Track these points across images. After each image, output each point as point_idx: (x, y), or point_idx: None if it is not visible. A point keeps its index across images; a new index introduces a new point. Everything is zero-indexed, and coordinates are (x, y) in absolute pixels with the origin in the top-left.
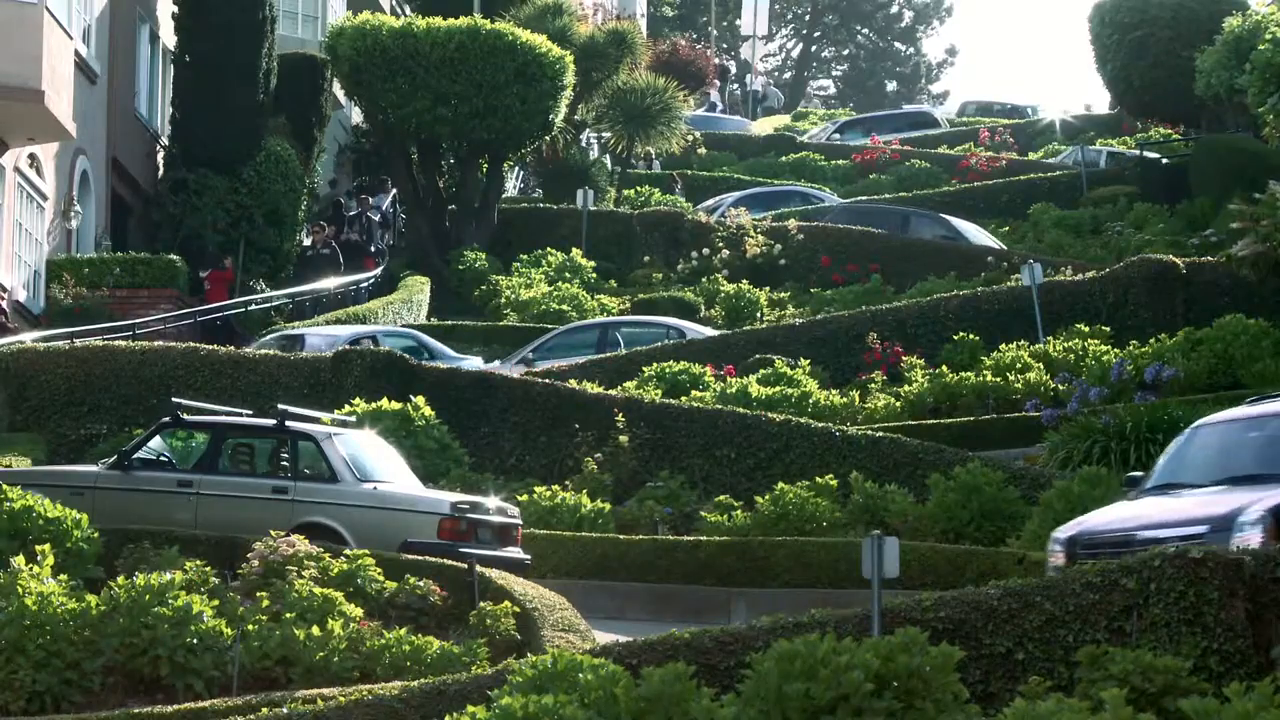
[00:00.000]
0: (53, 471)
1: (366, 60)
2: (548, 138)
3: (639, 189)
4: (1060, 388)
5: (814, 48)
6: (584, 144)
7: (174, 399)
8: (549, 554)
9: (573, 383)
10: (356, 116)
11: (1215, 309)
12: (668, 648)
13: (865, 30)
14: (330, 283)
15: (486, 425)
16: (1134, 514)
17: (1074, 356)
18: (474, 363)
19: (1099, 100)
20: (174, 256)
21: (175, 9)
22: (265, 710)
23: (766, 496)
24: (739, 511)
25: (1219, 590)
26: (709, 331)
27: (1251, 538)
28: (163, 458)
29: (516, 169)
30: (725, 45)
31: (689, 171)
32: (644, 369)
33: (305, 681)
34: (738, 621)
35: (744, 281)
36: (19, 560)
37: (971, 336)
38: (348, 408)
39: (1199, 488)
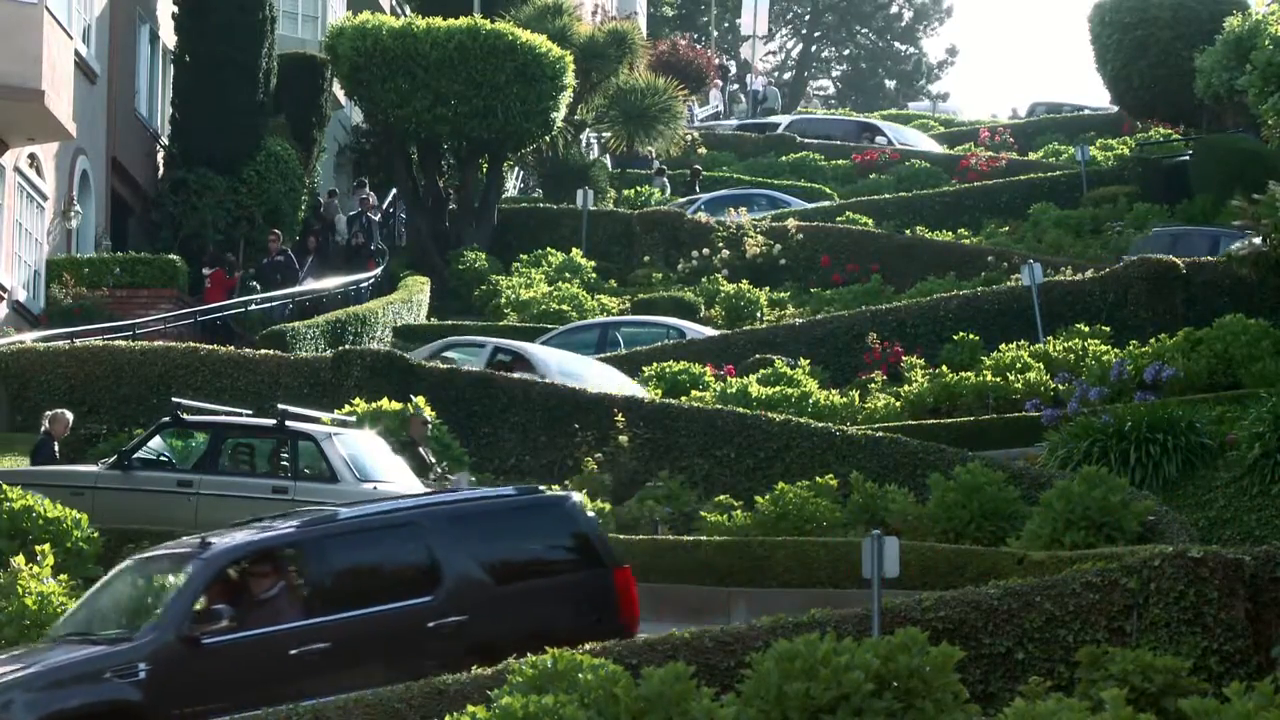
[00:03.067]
0: (53, 471)
1: (366, 60)
2: (547, 137)
3: (639, 189)
4: (1060, 388)
5: (814, 48)
6: (585, 143)
7: (174, 399)
8: None
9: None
10: (356, 116)
11: (1215, 309)
12: (668, 648)
13: (865, 30)
14: (331, 283)
15: (486, 425)
16: None
17: (1074, 356)
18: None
19: (1100, 100)
20: (174, 256)
21: (175, 9)
22: (265, 710)
23: (766, 496)
24: (739, 511)
25: (1219, 590)
26: (709, 331)
27: None
28: (163, 458)
29: (516, 169)
30: (725, 45)
31: (698, 169)
32: (644, 369)
33: None
34: (738, 621)
35: (744, 281)
36: (19, 560)
37: (971, 336)
38: (348, 408)
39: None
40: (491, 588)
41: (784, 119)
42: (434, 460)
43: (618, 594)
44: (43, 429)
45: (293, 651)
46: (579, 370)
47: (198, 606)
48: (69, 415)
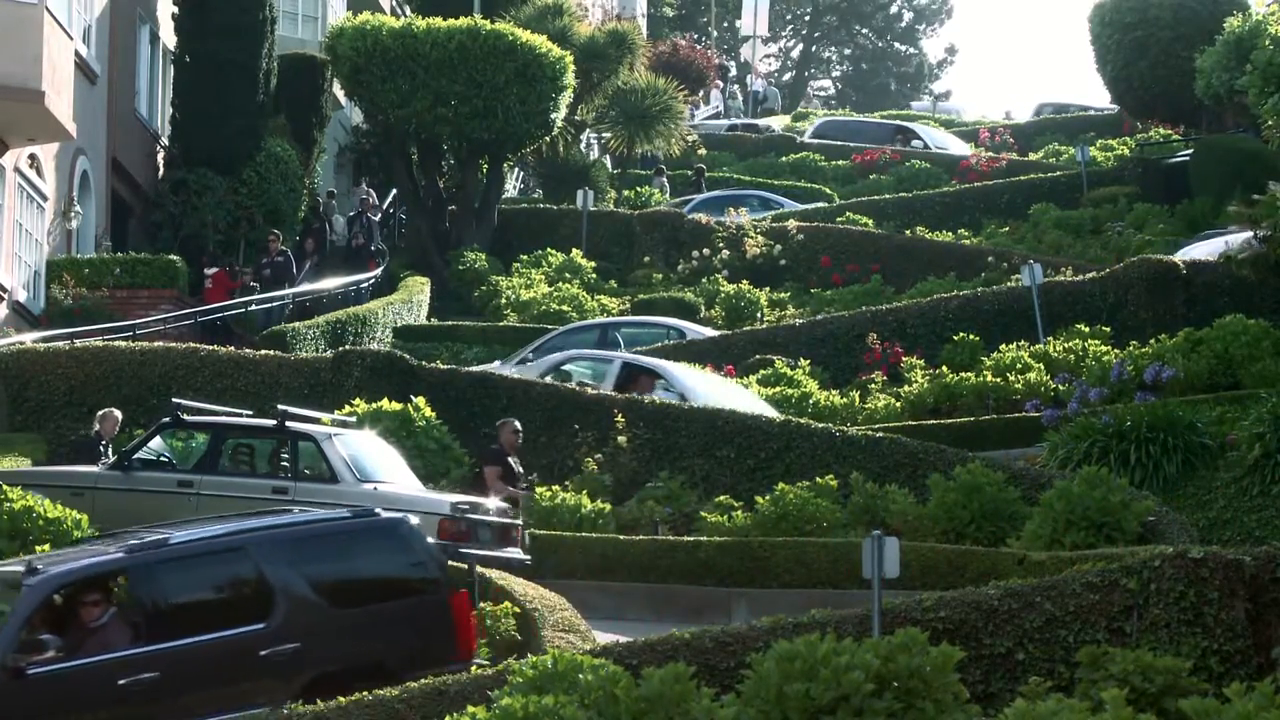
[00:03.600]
0: (53, 472)
1: (366, 60)
2: (548, 138)
3: (639, 189)
4: (1060, 388)
5: (814, 48)
6: (585, 144)
7: (174, 399)
8: (549, 554)
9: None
10: (356, 117)
11: (1215, 309)
12: (668, 648)
13: (865, 31)
14: (331, 283)
15: (487, 425)
16: None
17: (1074, 357)
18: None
19: (1098, 100)
20: (174, 257)
21: (175, 9)
22: (266, 710)
23: (767, 497)
24: (739, 512)
25: (1219, 590)
26: (709, 332)
27: None
28: (163, 458)
29: (516, 169)
30: (725, 46)
31: (702, 168)
32: None
33: None
34: (738, 622)
35: (744, 282)
36: None
37: (971, 336)
38: (348, 408)
39: None
40: (326, 614)
41: (813, 123)
42: (522, 469)
43: (454, 620)
44: (94, 429)
45: (121, 681)
46: (715, 390)
47: (23, 636)
48: (118, 414)
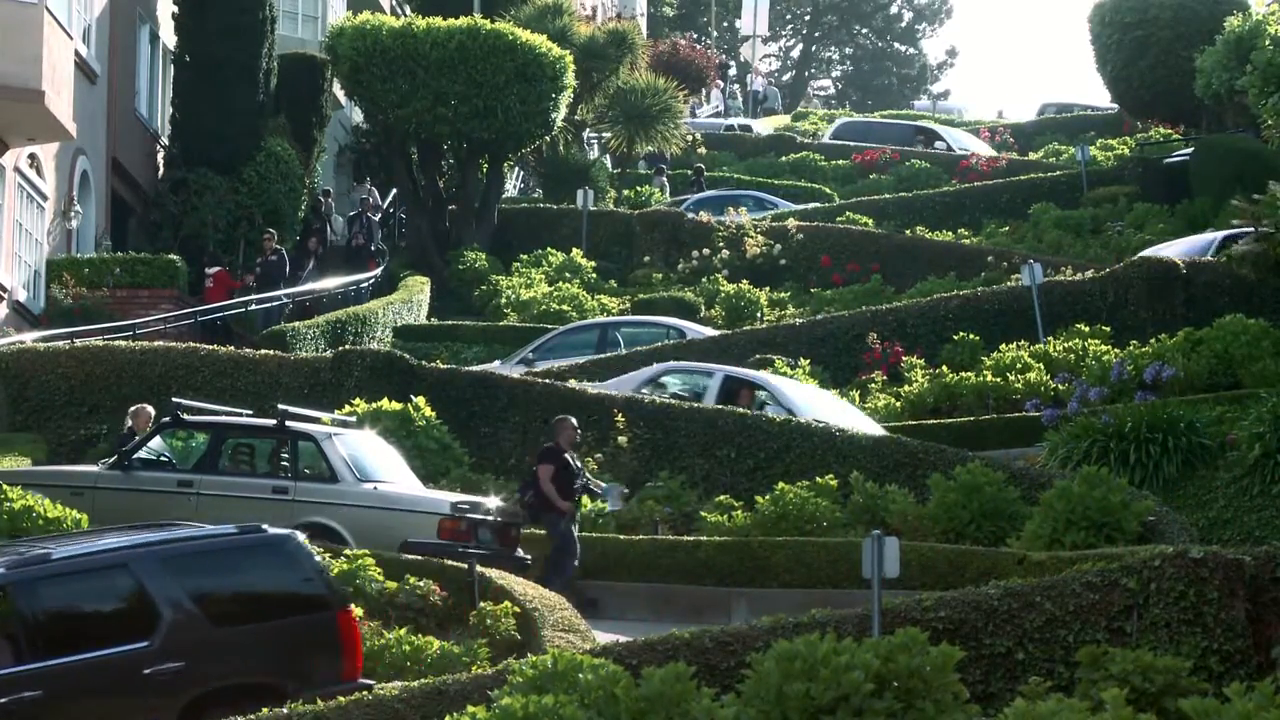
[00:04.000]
0: (53, 471)
1: (366, 60)
2: (548, 138)
3: (639, 189)
4: (1060, 388)
5: (814, 48)
6: (586, 143)
7: (174, 399)
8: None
9: (573, 383)
10: (356, 116)
11: (1215, 309)
12: (668, 648)
13: (865, 31)
14: (331, 283)
15: (486, 425)
16: None
17: (1074, 356)
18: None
19: (1100, 100)
20: (174, 256)
21: (175, 9)
22: (266, 710)
23: (766, 497)
24: (739, 511)
25: (1219, 590)
26: (709, 331)
27: None
28: (163, 458)
29: (516, 169)
30: (725, 45)
31: (701, 167)
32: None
33: None
34: (738, 621)
35: (744, 281)
36: None
37: (971, 336)
38: (348, 408)
39: None
40: (210, 631)
41: (833, 124)
42: (580, 465)
43: (341, 637)
44: (126, 426)
45: (1, 700)
46: (820, 404)
47: None
48: (150, 409)
